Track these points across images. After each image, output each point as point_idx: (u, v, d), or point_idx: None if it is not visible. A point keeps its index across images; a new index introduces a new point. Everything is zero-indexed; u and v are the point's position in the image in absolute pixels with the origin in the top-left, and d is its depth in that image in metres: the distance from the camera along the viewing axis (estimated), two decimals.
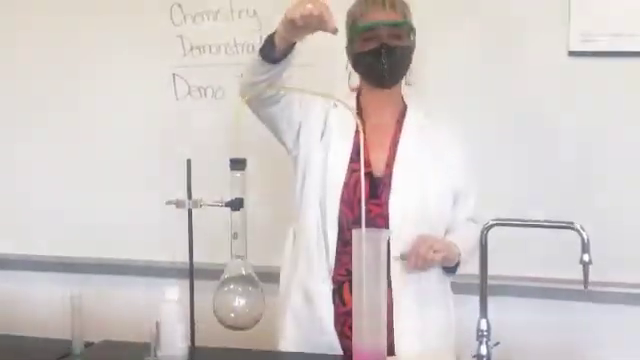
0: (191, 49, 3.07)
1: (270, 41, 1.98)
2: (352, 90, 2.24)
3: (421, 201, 2.12)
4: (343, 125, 2.14)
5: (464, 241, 2.12)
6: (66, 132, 3.19)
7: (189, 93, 3.09)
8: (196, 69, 3.07)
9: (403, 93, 2.24)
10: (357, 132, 2.09)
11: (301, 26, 1.87)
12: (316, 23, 1.86)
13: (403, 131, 2.18)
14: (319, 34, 1.91)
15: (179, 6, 3.06)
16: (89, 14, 3.12)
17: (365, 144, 1.99)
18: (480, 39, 2.77)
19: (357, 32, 2.13)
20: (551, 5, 2.71)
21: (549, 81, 2.74)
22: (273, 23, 2.88)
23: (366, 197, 2.04)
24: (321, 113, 2.19)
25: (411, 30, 2.15)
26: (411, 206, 2.11)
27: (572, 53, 2.71)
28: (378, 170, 2.13)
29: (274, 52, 1.98)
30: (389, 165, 2.14)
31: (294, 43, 1.98)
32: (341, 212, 2.12)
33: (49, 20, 3.18)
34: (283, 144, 2.23)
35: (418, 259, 2.04)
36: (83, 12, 3.13)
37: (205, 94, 3.07)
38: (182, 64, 3.08)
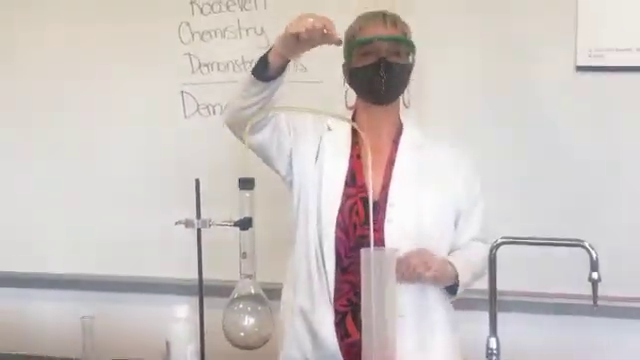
0: (199, 67, 3.08)
1: (263, 60, 1.97)
2: (349, 109, 2.20)
3: (417, 224, 2.08)
4: (337, 149, 2.13)
5: (466, 262, 2.09)
6: (76, 149, 3.20)
7: (197, 110, 3.10)
8: (204, 87, 3.08)
9: (400, 112, 2.20)
10: (352, 156, 2.11)
11: (305, 40, 1.88)
12: (319, 36, 1.87)
13: (399, 151, 2.14)
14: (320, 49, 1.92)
15: (187, 24, 3.08)
16: (97, 31, 3.14)
17: (360, 169, 1.99)
18: (486, 55, 2.77)
19: (356, 46, 2.09)
20: (558, 20, 2.71)
21: (557, 96, 2.73)
22: None
23: (360, 223, 2.06)
24: (314, 137, 2.16)
25: (411, 48, 2.12)
26: (407, 230, 2.06)
27: (580, 68, 2.71)
28: (374, 194, 2.05)
29: (267, 71, 1.97)
30: (385, 187, 2.10)
31: (287, 61, 1.98)
32: (337, 239, 2.08)
33: (56, 36, 3.20)
34: (276, 171, 2.19)
35: (408, 270, 1.98)
36: (91, 29, 3.14)
37: (214, 111, 3.07)
38: (190, 82, 3.09)
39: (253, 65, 2.00)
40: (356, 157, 2.14)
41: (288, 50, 1.93)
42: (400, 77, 2.11)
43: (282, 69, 1.98)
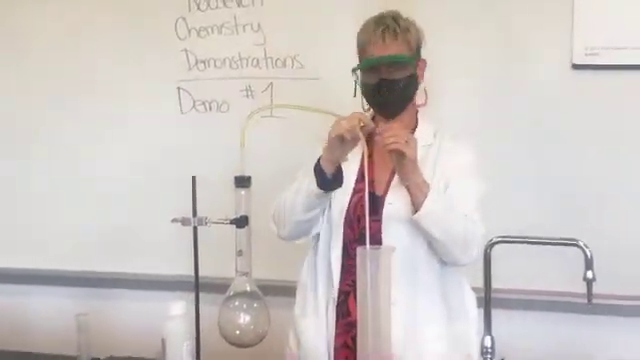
0: (196, 63, 3.08)
1: (319, 173, 2.05)
2: (366, 110, 2.20)
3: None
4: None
5: (445, 199, 2.06)
6: (73, 146, 3.20)
7: (194, 107, 3.10)
8: (201, 83, 3.08)
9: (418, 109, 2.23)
10: (363, 158, 2.11)
11: (348, 140, 1.97)
12: (359, 132, 1.95)
13: None
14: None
15: (184, 20, 3.08)
16: (95, 28, 3.14)
17: (370, 166, 2.00)
18: (482, 53, 2.78)
19: (357, 68, 2.15)
20: (555, 19, 2.72)
21: (553, 95, 2.74)
22: (277, 37, 2.94)
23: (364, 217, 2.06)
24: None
25: (408, 61, 2.13)
26: (404, 218, 2.08)
27: (576, 66, 2.71)
28: (380, 190, 2.14)
29: (326, 179, 2.05)
30: (388, 183, 2.14)
31: (339, 167, 2.06)
32: (344, 232, 2.15)
33: (52, 33, 3.20)
34: None
35: (392, 132, 1.99)
36: (89, 26, 3.15)
37: (210, 108, 3.08)
38: (187, 78, 3.09)
39: (310, 181, 2.06)
40: (368, 155, 2.16)
41: (336, 154, 2.03)
42: (404, 90, 2.15)
43: (338, 175, 2.07)
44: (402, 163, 2.00)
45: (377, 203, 2.12)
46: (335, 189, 2.09)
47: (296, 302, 2.27)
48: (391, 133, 1.99)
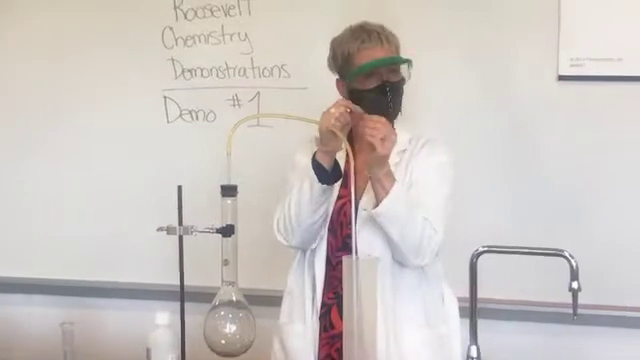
0: (182, 72, 3.08)
1: (318, 168, 2.04)
2: None
3: None
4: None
5: (408, 202, 2.04)
6: (56, 155, 3.19)
7: (180, 116, 3.09)
8: (187, 92, 3.08)
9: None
10: (347, 161, 2.10)
11: (339, 128, 1.96)
12: (348, 117, 1.98)
13: None
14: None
15: (171, 29, 3.07)
16: (81, 37, 3.13)
17: (349, 173, 2.01)
18: (467, 64, 2.79)
19: (359, 71, 2.11)
20: (540, 30, 2.73)
21: (538, 106, 2.75)
22: (264, 46, 2.95)
23: (347, 222, 2.10)
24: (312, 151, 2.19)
25: (409, 63, 2.14)
26: (377, 224, 2.06)
27: (562, 77, 2.73)
28: (359, 198, 2.10)
29: (327, 172, 2.04)
30: (364, 189, 2.12)
31: (336, 160, 2.06)
32: (328, 240, 2.15)
33: (39, 41, 3.19)
34: None
35: (373, 124, 1.98)
36: (75, 35, 3.14)
37: (197, 117, 3.07)
38: (174, 87, 3.08)
39: (311, 179, 2.05)
40: (349, 161, 2.16)
41: (331, 145, 2.02)
42: (402, 93, 2.16)
43: (336, 167, 2.07)
44: (372, 155, 1.99)
45: (357, 211, 2.10)
46: (337, 180, 2.07)
47: (282, 311, 2.26)
48: (372, 125, 1.98)
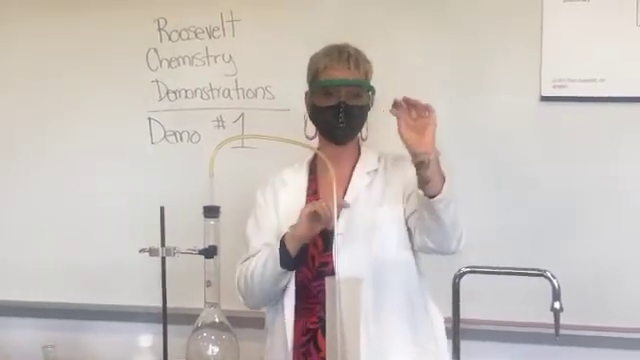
0: (167, 93, 3.08)
1: (284, 253, 2.08)
2: (309, 139, 2.24)
3: (368, 241, 2.13)
4: (293, 194, 2.22)
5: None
6: (40, 178, 3.17)
7: (165, 137, 3.09)
8: (172, 113, 3.08)
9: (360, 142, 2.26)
10: (308, 194, 2.19)
11: (322, 220, 2.01)
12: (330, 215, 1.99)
13: (352, 180, 2.20)
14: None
15: (155, 51, 3.08)
16: (65, 58, 3.13)
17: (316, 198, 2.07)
18: (450, 84, 2.80)
19: (318, 86, 2.17)
20: (523, 51, 2.75)
21: (521, 126, 2.77)
22: (249, 68, 2.96)
23: (319, 252, 2.15)
24: (273, 198, 2.26)
25: (370, 89, 2.19)
26: (355, 247, 2.08)
27: (544, 98, 2.75)
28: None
29: (291, 259, 2.09)
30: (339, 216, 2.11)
31: (306, 246, 2.10)
32: (302, 272, 2.16)
33: (22, 61, 3.18)
34: None
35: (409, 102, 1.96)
36: (59, 56, 3.14)
37: (181, 138, 3.07)
38: (158, 108, 3.08)
39: (274, 259, 2.11)
40: (312, 194, 2.22)
41: (306, 231, 2.06)
42: (359, 118, 2.18)
43: (301, 253, 2.10)
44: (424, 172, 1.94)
45: (329, 238, 2.11)
46: (299, 267, 2.12)
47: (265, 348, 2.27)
48: (424, 142, 1.95)
